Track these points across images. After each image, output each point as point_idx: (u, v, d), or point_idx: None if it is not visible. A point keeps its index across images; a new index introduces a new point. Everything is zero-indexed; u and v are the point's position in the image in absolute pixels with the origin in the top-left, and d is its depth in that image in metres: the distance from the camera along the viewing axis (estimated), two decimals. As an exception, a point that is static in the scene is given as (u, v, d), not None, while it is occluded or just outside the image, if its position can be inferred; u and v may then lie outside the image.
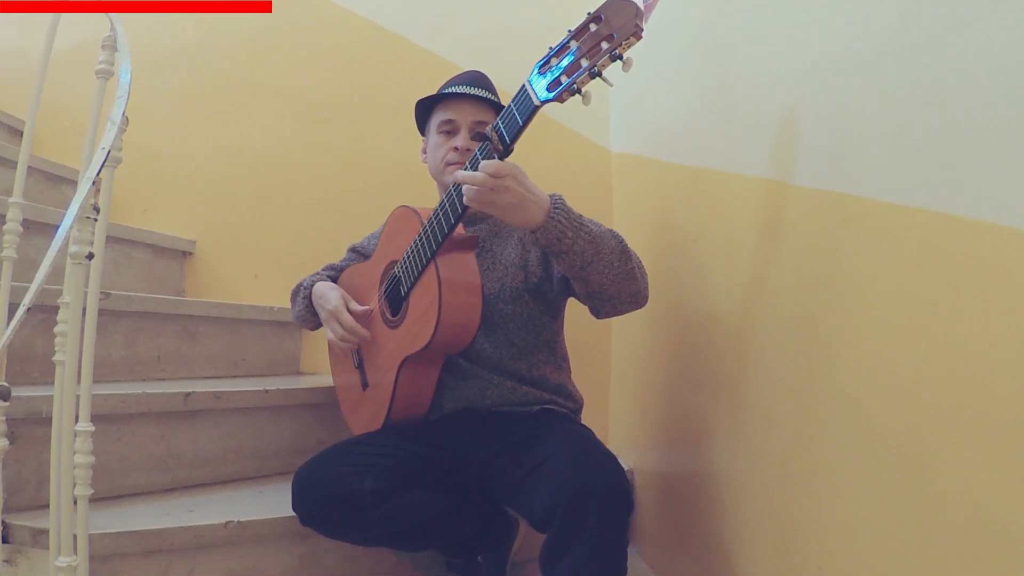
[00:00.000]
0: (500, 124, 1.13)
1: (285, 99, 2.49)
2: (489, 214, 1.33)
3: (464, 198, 1.14)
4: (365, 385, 1.49)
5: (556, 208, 1.15)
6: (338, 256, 1.73)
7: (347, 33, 2.51)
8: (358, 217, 1.72)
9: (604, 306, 1.30)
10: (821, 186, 1.02)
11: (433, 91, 1.54)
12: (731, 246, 1.32)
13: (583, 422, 1.46)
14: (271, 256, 2.41)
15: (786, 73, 1.14)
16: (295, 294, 1.64)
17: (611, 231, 1.26)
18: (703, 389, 1.43)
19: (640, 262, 1.31)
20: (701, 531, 1.40)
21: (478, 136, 1.16)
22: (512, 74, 2.24)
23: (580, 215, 1.20)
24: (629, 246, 1.27)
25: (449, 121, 1.48)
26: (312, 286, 1.57)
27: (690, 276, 1.51)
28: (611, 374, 2.17)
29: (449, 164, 1.46)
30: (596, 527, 1.07)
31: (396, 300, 1.38)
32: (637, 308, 1.33)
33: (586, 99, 1.06)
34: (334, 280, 1.62)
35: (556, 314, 1.48)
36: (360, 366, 1.51)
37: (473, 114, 1.48)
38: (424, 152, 1.57)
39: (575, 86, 1.05)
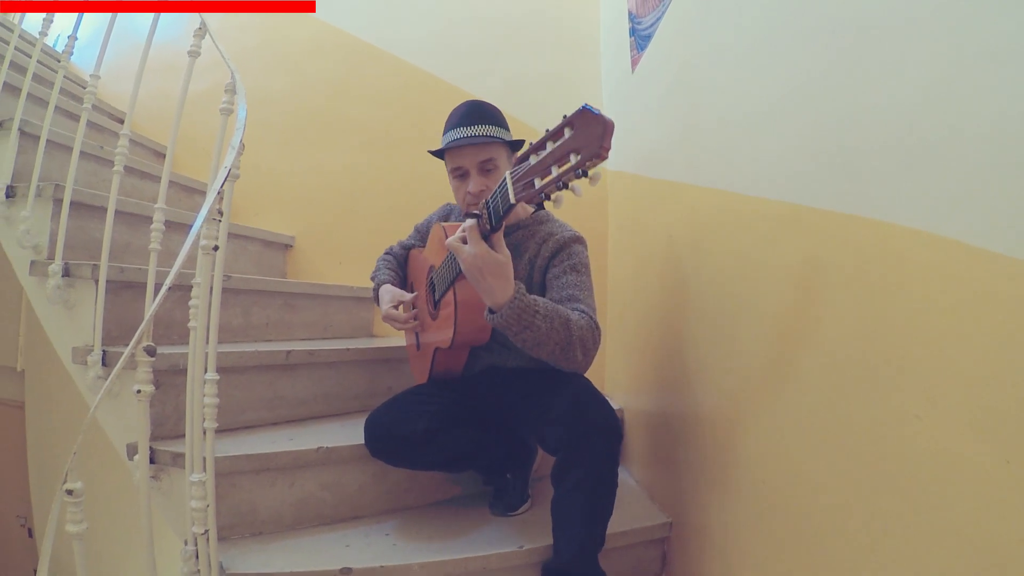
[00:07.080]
0: (489, 206, 0.92)
1: (361, 131, 2.47)
2: (509, 236, 1.31)
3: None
4: (418, 347, 1.47)
5: (510, 305, 0.98)
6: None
7: (408, 80, 2.47)
8: (414, 219, 1.71)
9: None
10: (762, 195, 1.00)
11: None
12: (696, 240, 1.29)
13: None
14: (352, 248, 2.40)
15: (738, 113, 1.10)
16: (372, 278, 1.55)
17: (565, 324, 1.04)
18: (673, 348, 1.39)
19: (589, 345, 1.09)
20: (672, 453, 1.39)
21: (469, 215, 0.97)
22: (535, 112, 2.23)
23: (536, 311, 1.00)
24: (579, 335, 1.07)
25: (458, 167, 1.28)
26: (379, 287, 1.48)
27: (665, 265, 1.47)
28: (607, 339, 2.14)
29: (469, 206, 1.30)
30: (593, 452, 1.07)
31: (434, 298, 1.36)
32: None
33: (557, 203, 0.79)
34: (403, 258, 1.59)
35: None
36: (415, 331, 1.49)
37: (476, 155, 1.25)
38: None
39: (544, 193, 0.79)
